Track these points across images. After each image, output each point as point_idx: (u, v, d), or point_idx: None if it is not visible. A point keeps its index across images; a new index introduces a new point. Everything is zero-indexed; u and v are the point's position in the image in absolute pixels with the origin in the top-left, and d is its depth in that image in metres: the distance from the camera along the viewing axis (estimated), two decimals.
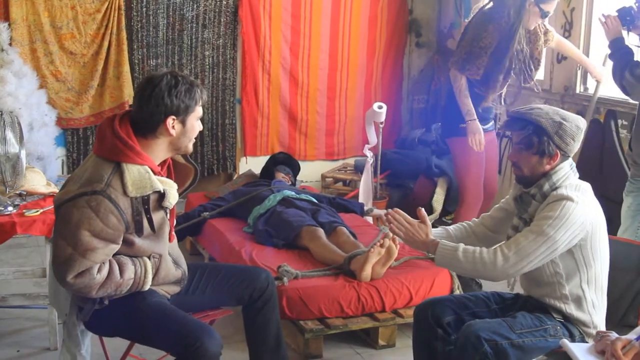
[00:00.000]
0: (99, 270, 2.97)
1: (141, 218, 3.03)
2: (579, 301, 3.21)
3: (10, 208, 4.04)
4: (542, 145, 3.17)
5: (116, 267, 3.03)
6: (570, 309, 3.21)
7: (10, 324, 4.66)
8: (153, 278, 3.15)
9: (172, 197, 3.13)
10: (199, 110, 3.16)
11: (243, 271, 3.57)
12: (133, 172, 3.00)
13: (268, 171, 6.27)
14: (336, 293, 4.24)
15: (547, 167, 3.21)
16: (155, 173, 3.07)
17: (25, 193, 4.27)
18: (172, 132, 3.08)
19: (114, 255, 3.05)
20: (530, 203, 3.24)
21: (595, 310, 3.24)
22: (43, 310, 4.49)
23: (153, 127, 3.07)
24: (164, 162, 3.22)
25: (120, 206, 2.96)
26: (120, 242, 3.03)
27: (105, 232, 2.94)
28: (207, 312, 3.48)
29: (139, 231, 3.04)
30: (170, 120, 3.06)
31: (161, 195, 3.07)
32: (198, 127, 3.19)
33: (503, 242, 3.20)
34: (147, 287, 3.14)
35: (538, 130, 3.17)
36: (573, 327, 3.21)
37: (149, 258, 3.14)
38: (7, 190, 4.12)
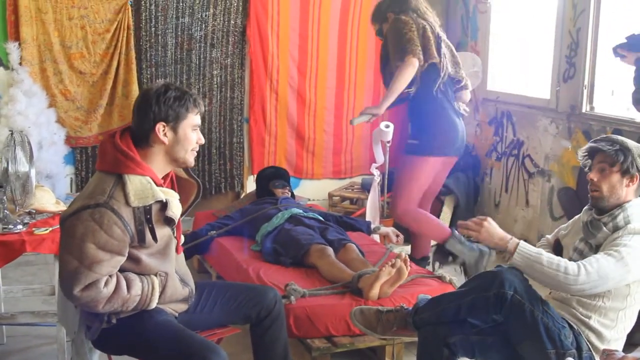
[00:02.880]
0: (106, 284, 3.00)
1: (144, 228, 3.05)
2: (610, 320, 3.29)
3: (19, 226, 4.06)
4: (626, 164, 3.30)
5: (123, 282, 3.05)
6: (598, 323, 3.29)
7: (19, 341, 4.68)
8: (160, 296, 3.17)
9: (175, 206, 3.16)
10: (192, 119, 3.17)
11: (251, 290, 3.58)
12: (135, 182, 3.03)
13: (264, 190, 6.22)
14: (343, 311, 4.23)
15: (625, 189, 3.33)
16: (157, 184, 3.10)
17: (34, 211, 4.29)
18: (164, 139, 3.11)
19: (121, 271, 3.08)
20: (600, 230, 3.34)
21: (618, 334, 3.32)
22: (52, 328, 4.50)
23: (145, 135, 3.11)
24: (167, 175, 3.25)
25: (124, 217, 2.99)
26: (126, 254, 3.05)
27: (110, 244, 2.97)
28: (215, 330, 3.49)
29: (142, 241, 3.06)
30: (160, 127, 3.09)
31: (163, 206, 3.10)
32: (194, 137, 3.19)
33: (583, 260, 3.24)
34: (153, 304, 3.16)
35: (624, 149, 3.30)
36: (583, 341, 3.25)
37: (155, 276, 3.16)
38: (17, 208, 4.15)
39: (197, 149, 3.25)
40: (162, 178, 3.19)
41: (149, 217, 3.05)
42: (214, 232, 5.43)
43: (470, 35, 7.65)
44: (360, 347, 4.27)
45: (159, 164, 3.17)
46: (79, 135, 6.83)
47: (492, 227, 3.37)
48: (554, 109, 6.38)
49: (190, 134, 3.17)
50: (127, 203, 3.01)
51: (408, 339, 4.18)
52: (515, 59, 7.26)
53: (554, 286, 3.26)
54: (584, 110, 6.06)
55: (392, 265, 4.29)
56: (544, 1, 6.68)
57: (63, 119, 6.67)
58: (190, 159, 3.22)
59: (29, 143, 4.24)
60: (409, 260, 4.41)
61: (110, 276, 3.02)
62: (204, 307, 3.45)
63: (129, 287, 3.06)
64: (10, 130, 4.30)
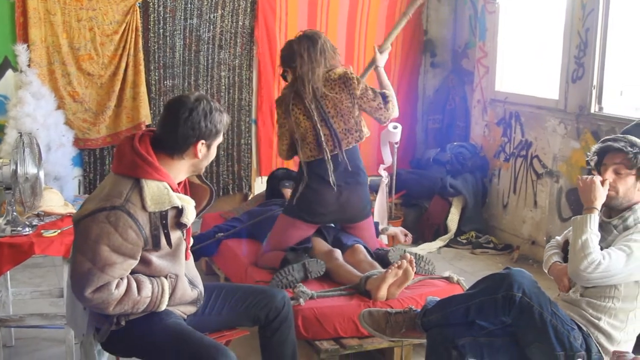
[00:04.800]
0: (117, 286, 3.01)
1: (159, 233, 3.06)
2: (619, 322, 3.29)
3: (28, 229, 4.07)
4: None
5: (134, 284, 3.06)
6: (608, 324, 3.29)
7: (27, 343, 4.69)
8: (169, 298, 3.18)
9: (190, 213, 3.17)
10: (221, 136, 3.27)
11: (259, 292, 3.58)
12: (152, 187, 3.04)
13: (274, 191, 6.23)
14: (352, 312, 4.23)
15: (638, 193, 3.35)
16: (173, 190, 3.11)
17: (43, 213, 4.30)
18: (199, 155, 3.17)
19: (131, 273, 3.09)
20: (610, 232, 3.36)
21: (628, 335, 3.31)
22: (60, 330, 4.51)
23: (183, 148, 3.14)
24: (180, 182, 3.26)
25: (139, 221, 3.00)
26: (139, 258, 3.06)
27: (124, 247, 2.98)
28: (224, 332, 3.50)
29: (157, 246, 3.07)
30: (200, 144, 3.15)
31: (179, 212, 3.12)
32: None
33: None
34: (163, 307, 3.16)
35: None
36: (593, 343, 3.24)
37: (165, 278, 3.17)
38: (26, 210, 4.15)
39: None
40: (177, 184, 3.21)
41: (165, 222, 3.07)
42: (221, 234, 5.43)
43: (478, 35, 7.64)
44: (368, 349, 4.28)
45: (180, 173, 3.21)
46: (87, 137, 6.83)
47: (598, 187, 3.34)
48: (563, 109, 6.37)
49: (215, 148, 3.29)
50: (144, 207, 3.02)
51: (417, 340, 4.15)
52: (523, 59, 7.24)
53: (573, 260, 3.27)
54: (592, 111, 6.05)
55: (399, 267, 4.30)
56: (552, 1, 6.67)
57: (71, 120, 6.67)
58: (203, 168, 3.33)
59: (38, 145, 4.24)
60: (414, 261, 4.41)
61: (121, 278, 3.03)
62: (212, 309, 3.46)
63: (139, 289, 3.07)
64: (19, 132, 4.30)
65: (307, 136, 4.83)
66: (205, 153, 3.21)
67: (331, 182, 4.77)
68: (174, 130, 3.12)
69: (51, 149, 6.22)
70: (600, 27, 5.93)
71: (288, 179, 6.20)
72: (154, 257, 3.12)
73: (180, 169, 3.20)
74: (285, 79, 5.02)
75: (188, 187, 3.36)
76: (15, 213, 4.09)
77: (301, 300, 4.22)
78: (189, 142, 3.13)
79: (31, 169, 4.11)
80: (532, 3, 7.08)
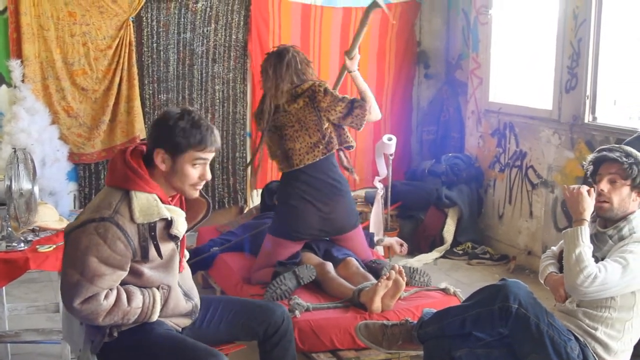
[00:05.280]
0: (106, 296, 3.01)
1: (147, 244, 3.06)
2: (616, 331, 3.29)
3: (23, 244, 4.06)
4: (639, 178, 3.31)
5: (124, 295, 3.06)
6: (604, 334, 3.28)
7: (24, 359, 4.67)
8: (162, 309, 3.18)
9: (181, 225, 3.16)
10: (193, 154, 3.09)
11: (258, 306, 3.57)
12: (141, 199, 3.05)
13: (267, 205, 6.23)
14: (348, 324, 4.23)
15: (633, 203, 3.35)
16: (164, 202, 3.11)
17: (38, 229, 4.29)
18: (162, 166, 3.10)
19: (123, 284, 3.09)
20: (605, 243, 3.35)
21: (625, 345, 3.31)
22: (56, 345, 4.50)
23: (149, 155, 3.12)
24: (175, 194, 3.26)
25: (128, 232, 3.00)
26: (128, 269, 3.06)
27: (112, 258, 2.98)
28: (221, 346, 3.48)
29: (145, 257, 3.07)
30: (157, 153, 3.09)
31: (169, 223, 3.11)
32: (195, 173, 3.14)
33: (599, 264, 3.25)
34: (155, 317, 3.17)
35: (638, 163, 3.32)
36: (590, 354, 3.24)
37: (157, 289, 3.17)
38: (20, 226, 4.14)
39: (201, 185, 3.21)
40: (171, 196, 3.21)
41: (153, 234, 3.06)
42: (217, 248, 5.43)
43: (471, 46, 7.66)
44: None
45: (163, 185, 3.16)
46: (82, 151, 6.83)
47: (585, 198, 3.33)
48: (557, 119, 6.37)
49: (189, 169, 3.12)
50: (132, 219, 3.02)
51: (414, 352, 4.15)
52: (517, 70, 7.25)
53: (568, 275, 3.25)
54: (586, 121, 6.05)
55: (387, 278, 4.29)
56: (545, 12, 6.69)
57: (66, 135, 6.68)
58: (190, 192, 3.19)
59: (32, 160, 4.24)
60: (403, 271, 4.40)
61: (110, 289, 3.04)
62: (210, 322, 3.45)
63: (129, 300, 3.07)
64: (13, 148, 4.30)
65: (275, 150, 4.94)
66: (171, 167, 3.09)
67: (309, 197, 4.81)
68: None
69: (46, 164, 6.22)
70: (592, 37, 5.94)
71: None
72: (146, 269, 3.12)
73: (160, 182, 3.14)
74: None
75: (183, 199, 3.35)
76: (10, 229, 4.09)
77: (297, 312, 4.22)
78: (149, 148, 3.12)
79: (26, 185, 4.10)
80: (525, 14, 7.10)
